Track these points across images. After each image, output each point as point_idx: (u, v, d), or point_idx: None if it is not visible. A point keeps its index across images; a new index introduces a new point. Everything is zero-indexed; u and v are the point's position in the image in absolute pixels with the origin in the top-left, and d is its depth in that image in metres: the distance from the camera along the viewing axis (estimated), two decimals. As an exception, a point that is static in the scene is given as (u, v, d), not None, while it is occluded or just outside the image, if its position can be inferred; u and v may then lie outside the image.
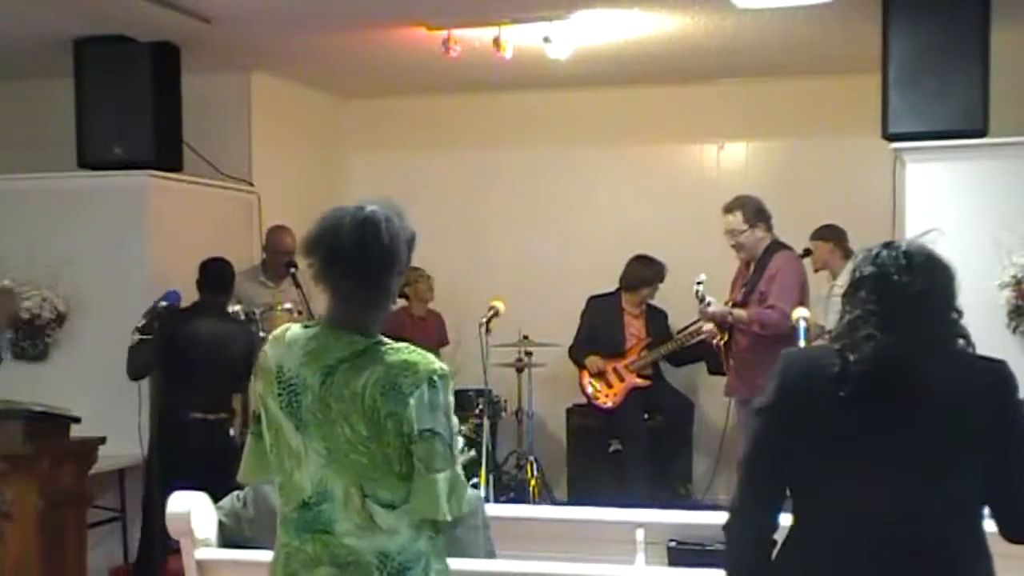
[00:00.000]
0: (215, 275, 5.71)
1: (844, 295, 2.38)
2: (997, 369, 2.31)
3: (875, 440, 2.26)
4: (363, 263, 2.47)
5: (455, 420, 2.53)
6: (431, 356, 2.50)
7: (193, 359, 5.47)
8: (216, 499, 5.41)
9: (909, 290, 2.27)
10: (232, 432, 5.54)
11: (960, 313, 2.32)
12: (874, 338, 2.24)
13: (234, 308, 5.81)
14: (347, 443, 2.44)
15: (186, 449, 5.33)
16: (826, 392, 2.27)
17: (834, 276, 6.68)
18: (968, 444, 2.27)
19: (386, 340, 2.51)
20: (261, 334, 5.63)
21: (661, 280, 7.25)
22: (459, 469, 2.51)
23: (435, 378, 2.45)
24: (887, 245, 2.35)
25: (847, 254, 6.66)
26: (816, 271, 6.73)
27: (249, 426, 2.70)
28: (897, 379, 2.23)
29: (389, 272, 2.52)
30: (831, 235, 6.72)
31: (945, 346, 2.30)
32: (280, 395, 2.52)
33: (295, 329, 2.60)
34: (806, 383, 2.33)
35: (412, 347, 2.51)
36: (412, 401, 2.41)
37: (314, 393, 2.47)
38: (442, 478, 2.44)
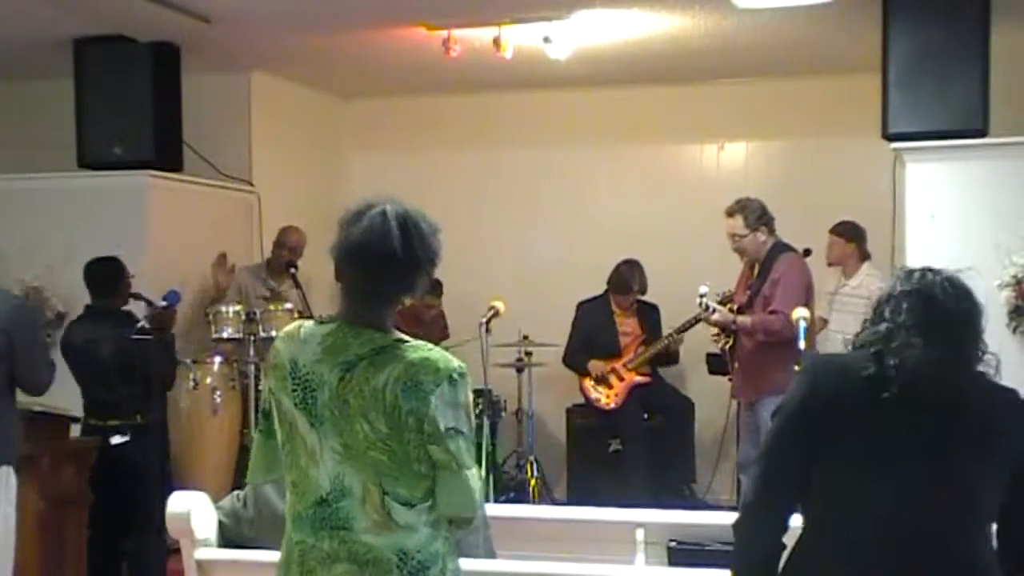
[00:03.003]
0: (91, 278, 5.47)
1: (880, 304, 2.41)
2: (1015, 397, 2.37)
3: (907, 446, 2.27)
4: (407, 261, 2.49)
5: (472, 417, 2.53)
6: (449, 355, 2.50)
7: (73, 364, 5.32)
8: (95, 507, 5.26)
9: (951, 308, 2.34)
10: (114, 440, 5.20)
11: (986, 347, 2.37)
12: (915, 347, 2.28)
13: (144, 307, 5.52)
14: (366, 440, 2.43)
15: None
16: (859, 395, 2.30)
17: (846, 275, 6.67)
18: (994, 464, 2.30)
19: (405, 337, 2.51)
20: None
21: (638, 291, 7.26)
22: (476, 467, 2.52)
23: (455, 376, 2.46)
24: (929, 270, 2.43)
25: (864, 256, 6.65)
26: (829, 265, 6.71)
27: (257, 424, 2.68)
28: (936, 389, 2.27)
29: (431, 269, 2.54)
30: (853, 235, 6.69)
31: (977, 369, 2.35)
32: (295, 391, 2.50)
33: (308, 325, 2.59)
34: (837, 386, 2.34)
35: (431, 345, 2.51)
36: (433, 399, 2.42)
37: (332, 389, 2.46)
38: (472, 475, 2.47)
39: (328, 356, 2.49)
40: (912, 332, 2.31)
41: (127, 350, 5.27)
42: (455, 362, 2.48)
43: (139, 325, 5.44)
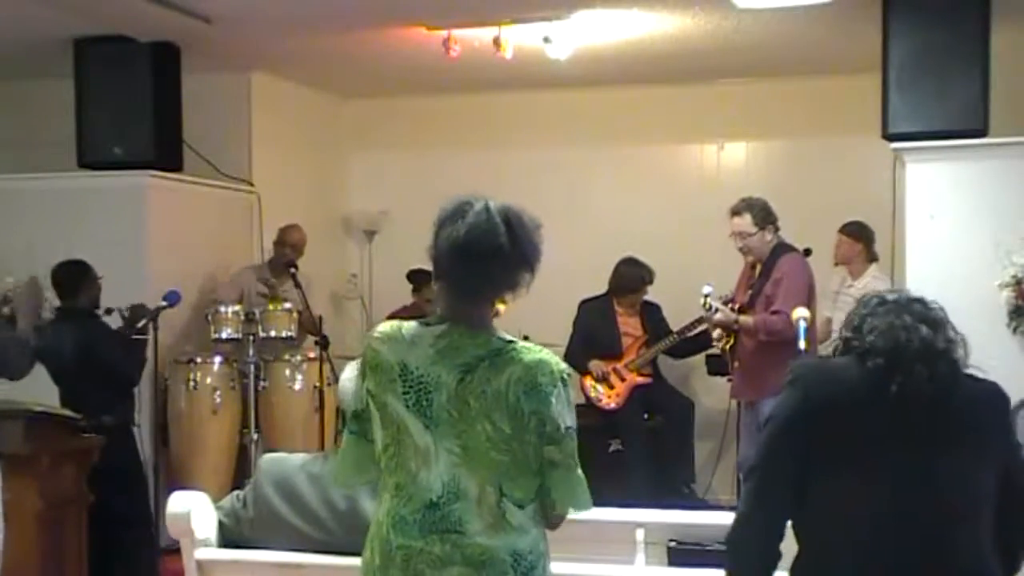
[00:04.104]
0: (55, 280, 5.48)
1: (849, 314, 2.49)
2: (995, 386, 2.40)
3: (902, 443, 2.28)
4: (517, 258, 2.49)
5: None
6: (554, 355, 2.53)
7: (45, 366, 5.33)
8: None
9: (913, 297, 2.42)
10: None
11: (955, 326, 2.39)
12: (888, 320, 2.34)
13: (113, 309, 5.62)
14: (488, 441, 2.43)
15: None
16: (851, 395, 2.32)
17: (852, 275, 6.66)
18: (987, 459, 2.33)
19: (514, 338, 2.52)
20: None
21: (651, 282, 7.25)
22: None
23: (565, 376, 2.50)
24: None
25: (872, 257, 6.64)
26: (836, 265, 6.70)
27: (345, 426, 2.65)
28: (917, 350, 2.29)
29: (536, 265, 2.53)
30: (862, 235, 6.65)
31: (953, 352, 2.36)
32: (406, 393, 2.47)
33: (411, 326, 2.54)
34: (828, 391, 2.36)
35: (539, 346, 2.53)
36: (553, 400, 2.44)
37: (450, 391, 2.44)
38: (581, 474, 2.52)
39: (443, 358, 2.46)
40: (880, 312, 2.38)
41: (89, 350, 5.30)
42: (562, 363, 2.53)
43: (139, 326, 5.47)
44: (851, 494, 2.29)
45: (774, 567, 2.39)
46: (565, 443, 2.47)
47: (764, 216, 5.60)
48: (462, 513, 2.44)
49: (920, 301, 2.41)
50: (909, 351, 2.29)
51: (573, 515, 2.57)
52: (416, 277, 7.41)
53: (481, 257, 2.45)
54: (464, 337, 2.48)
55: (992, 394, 2.38)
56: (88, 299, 5.51)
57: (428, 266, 2.56)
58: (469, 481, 2.44)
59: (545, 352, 2.51)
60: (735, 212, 5.64)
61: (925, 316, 2.36)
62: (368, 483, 2.64)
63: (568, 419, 2.48)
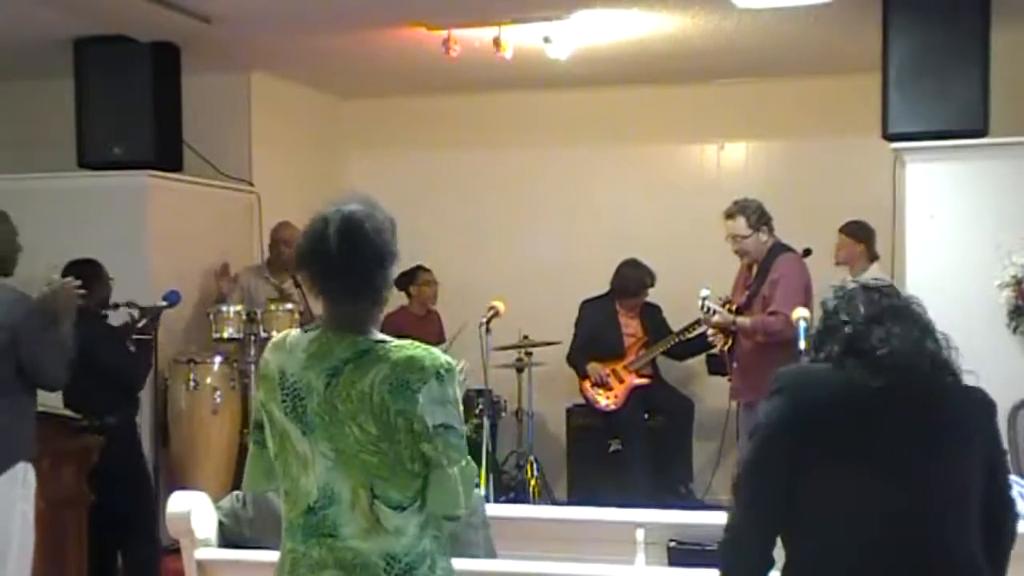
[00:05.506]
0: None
1: (829, 317, 2.45)
2: (983, 392, 2.42)
3: (900, 444, 2.29)
4: (354, 264, 2.49)
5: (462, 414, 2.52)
6: (436, 351, 2.50)
7: None
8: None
9: (901, 296, 2.43)
10: None
11: (950, 350, 2.40)
12: (895, 335, 2.33)
13: (120, 304, 5.60)
14: (356, 443, 2.43)
15: None
16: (843, 399, 2.32)
17: (853, 275, 6.65)
18: (977, 461, 2.34)
19: (388, 338, 2.51)
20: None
21: (652, 285, 7.24)
22: (470, 459, 2.51)
23: (442, 372, 2.45)
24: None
25: (873, 256, 6.64)
26: (837, 264, 6.70)
27: (251, 435, 2.70)
28: (925, 372, 2.31)
29: (381, 267, 2.53)
30: (863, 235, 6.64)
31: (941, 355, 2.37)
32: (284, 401, 2.51)
33: (295, 333, 2.60)
34: (816, 396, 2.36)
35: (416, 343, 2.51)
36: (421, 398, 2.41)
37: (319, 396, 2.46)
38: (457, 472, 2.46)
39: (314, 363, 2.49)
40: (880, 322, 2.35)
41: (90, 352, 5.27)
42: (442, 358, 2.48)
43: (139, 326, 5.47)
44: (847, 496, 2.30)
45: (768, 571, 2.39)
46: (437, 441, 2.43)
47: (758, 218, 5.61)
48: (336, 517, 2.46)
49: (913, 303, 2.41)
50: (922, 373, 2.31)
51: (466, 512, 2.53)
52: (399, 281, 7.43)
53: (322, 264, 2.50)
54: (332, 341, 2.50)
55: (980, 399, 2.41)
56: (96, 300, 5.47)
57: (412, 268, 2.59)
58: (342, 485, 2.45)
59: (421, 348, 2.49)
60: (728, 215, 5.66)
61: (925, 325, 2.37)
62: (275, 488, 2.65)
63: (440, 417, 2.43)
